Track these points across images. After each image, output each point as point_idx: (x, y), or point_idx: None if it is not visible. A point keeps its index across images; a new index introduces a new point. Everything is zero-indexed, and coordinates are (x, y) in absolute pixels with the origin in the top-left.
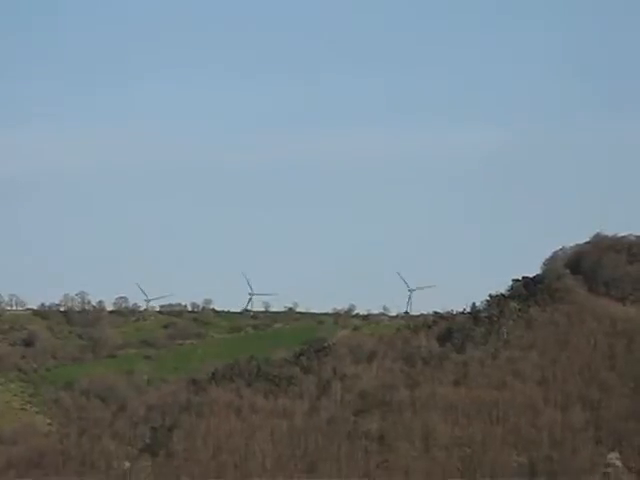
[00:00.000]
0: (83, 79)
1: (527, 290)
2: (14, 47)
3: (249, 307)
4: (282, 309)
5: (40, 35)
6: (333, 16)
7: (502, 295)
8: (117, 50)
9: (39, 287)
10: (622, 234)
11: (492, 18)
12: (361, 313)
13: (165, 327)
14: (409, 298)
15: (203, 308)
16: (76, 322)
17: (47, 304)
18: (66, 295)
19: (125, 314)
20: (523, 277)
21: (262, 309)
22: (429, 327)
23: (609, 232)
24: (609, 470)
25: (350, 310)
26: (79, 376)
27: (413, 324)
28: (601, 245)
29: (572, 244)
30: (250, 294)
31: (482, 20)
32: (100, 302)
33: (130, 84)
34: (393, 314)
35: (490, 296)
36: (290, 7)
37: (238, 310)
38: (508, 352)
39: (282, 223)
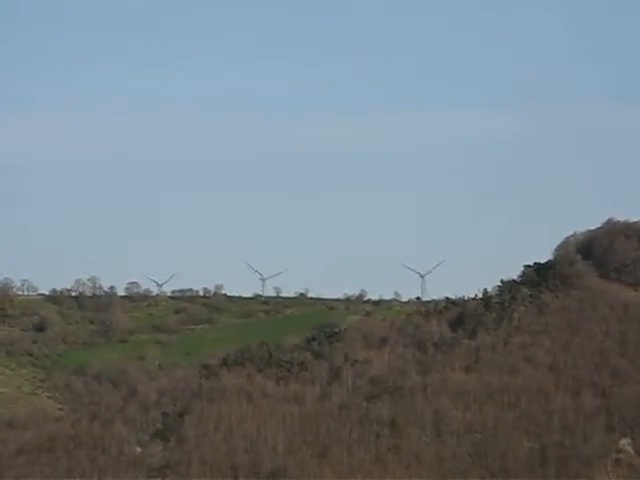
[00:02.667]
0: (84, 68)
1: (539, 276)
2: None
3: (261, 292)
4: (293, 295)
5: (39, 21)
6: (331, 4)
7: (514, 281)
8: (114, 40)
9: (51, 272)
10: (634, 220)
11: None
12: (372, 299)
13: (176, 312)
14: (422, 284)
15: (214, 293)
16: (88, 307)
17: (59, 289)
18: (78, 280)
19: (136, 299)
20: (535, 263)
21: (273, 294)
22: (441, 313)
23: (621, 217)
24: (621, 456)
25: (361, 295)
26: (90, 361)
27: (425, 310)
28: (613, 231)
29: (583, 230)
30: (262, 278)
31: (483, 4)
32: (112, 287)
33: (129, 74)
34: (405, 300)
35: (502, 282)
36: None
37: (249, 295)
38: (519, 338)
39: (293, 209)
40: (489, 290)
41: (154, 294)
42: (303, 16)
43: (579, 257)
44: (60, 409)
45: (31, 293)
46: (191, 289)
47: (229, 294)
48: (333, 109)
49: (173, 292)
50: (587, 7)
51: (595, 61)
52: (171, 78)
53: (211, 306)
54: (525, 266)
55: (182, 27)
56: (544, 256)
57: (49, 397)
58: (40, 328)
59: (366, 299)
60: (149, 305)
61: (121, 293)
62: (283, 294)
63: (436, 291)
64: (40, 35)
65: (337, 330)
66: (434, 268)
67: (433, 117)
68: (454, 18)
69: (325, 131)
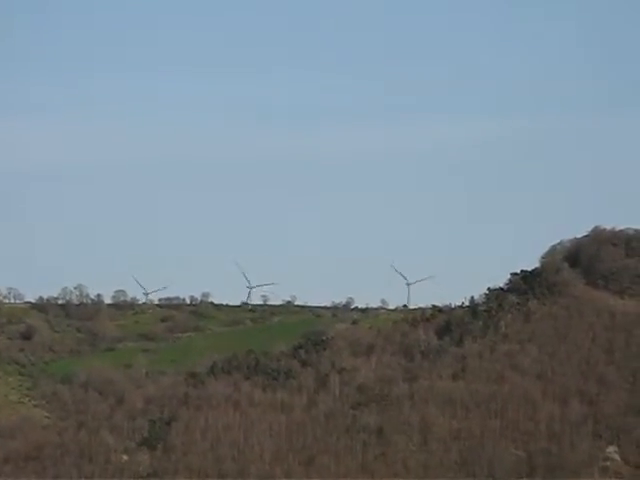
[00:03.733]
0: (83, 72)
1: (525, 284)
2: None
3: (248, 300)
4: (280, 302)
5: (39, 26)
6: (331, 11)
7: (501, 289)
8: (116, 43)
9: (37, 280)
10: (620, 227)
11: (493, 7)
12: (360, 306)
13: (163, 320)
14: (408, 292)
15: (201, 301)
16: (74, 315)
17: (45, 297)
18: (64, 288)
19: (123, 307)
20: (521, 271)
21: (260, 302)
22: (427, 320)
23: (607, 225)
24: (607, 464)
25: (348, 303)
26: (77, 369)
27: (411, 317)
28: (599, 238)
29: (570, 237)
30: (249, 287)
31: (482, 9)
32: (98, 295)
33: (129, 77)
34: (392, 307)
35: (489, 289)
36: (290, 2)
37: (237, 303)
38: (506, 346)
39: (281, 216)
40: (476, 298)
41: (141, 302)
42: (303, 19)
43: (566, 265)
44: (47, 417)
45: (17, 301)
46: (178, 297)
47: (216, 302)
48: (326, 114)
49: (160, 300)
50: (587, 11)
51: (584, 71)
52: (169, 82)
53: (198, 314)
54: (512, 274)
55: (180, 30)
56: (531, 264)
57: (36, 405)
58: (27, 336)
59: (353, 307)
60: (136, 313)
61: (108, 301)
62: (270, 302)
63: (423, 299)
64: (39, 38)
65: (324, 338)
66: (421, 280)
67: (422, 124)
68: (453, 23)
69: (315, 137)
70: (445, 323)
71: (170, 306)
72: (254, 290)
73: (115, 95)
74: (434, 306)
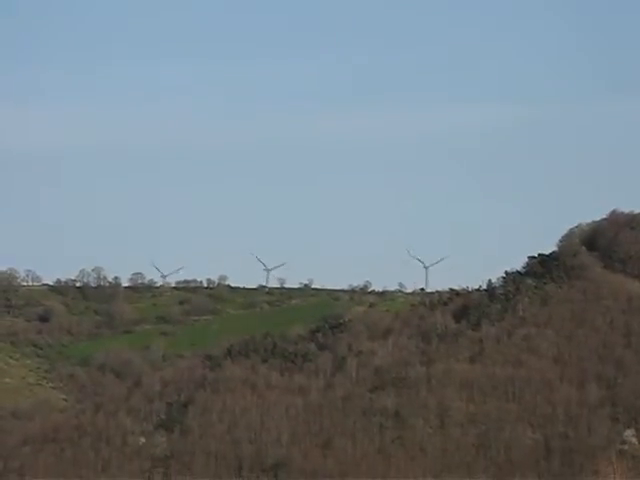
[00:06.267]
0: (84, 61)
1: (543, 267)
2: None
3: (265, 283)
4: (297, 285)
5: (41, 15)
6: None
7: (518, 272)
8: (117, 32)
9: (55, 263)
10: (638, 211)
11: None
12: (377, 290)
13: (181, 303)
14: (426, 275)
15: (218, 284)
16: (92, 298)
17: (63, 280)
18: (82, 271)
19: (141, 290)
20: (539, 254)
21: (277, 285)
22: (445, 304)
23: (625, 209)
24: (625, 447)
25: (366, 287)
26: (95, 352)
27: (429, 301)
28: (617, 222)
29: (588, 221)
30: (265, 269)
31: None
32: (116, 278)
33: (131, 65)
34: (409, 291)
35: (506, 273)
36: None
37: (253, 286)
38: (524, 329)
39: (298, 200)
40: (493, 281)
41: (158, 285)
42: (301, 11)
43: (583, 248)
44: (64, 400)
45: (35, 283)
46: (195, 280)
47: (233, 285)
48: (336, 102)
49: (177, 283)
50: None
51: (600, 52)
52: (173, 72)
53: (215, 297)
54: (529, 257)
55: (183, 22)
56: (548, 247)
57: (53, 388)
58: (44, 319)
59: (370, 290)
60: (153, 296)
61: (125, 284)
62: (287, 285)
63: (440, 282)
64: (41, 27)
65: (341, 321)
66: (438, 262)
67: (436, 109)
68: (453, 12)
69: (327, 123)
70: (462, 306)
71: (187, 289)
72: (270, 272)
73: (118, 82)
74: (451, 289)
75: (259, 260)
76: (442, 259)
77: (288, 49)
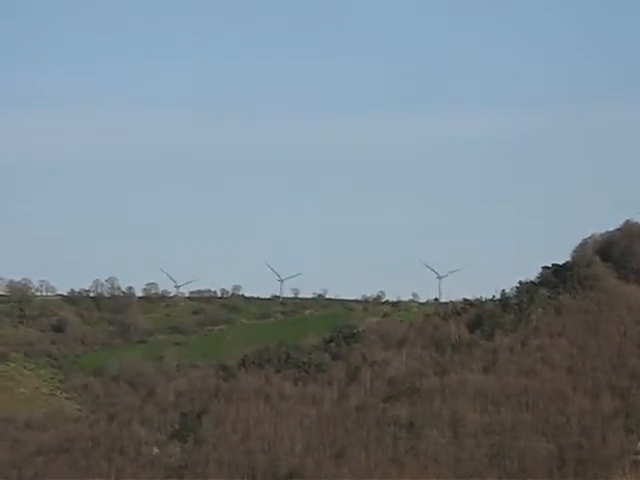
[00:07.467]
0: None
1: (557, 277)
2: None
3: (279, 293)
4: (311, 296)
5: (41, 17)
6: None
7: (532, 282)
8: (118, 34)
9: (69, 273)
10: None
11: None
12: (390, 300)
13: (195, 313)
14: (439, 285)
15: (232, 294)
16: (106, 308)
17: (77, 290)
18: (96, 281)
19: (155, 300)
20: (553, 264)
21: (291, 295)
22: (458, 314)
23: (639, 219)
24: (638, 458)
25: (379, 297)
26: (109, 362)
27: (442, 311)
28: (631, 232)
29: (602, 231)
30: (279, 280)
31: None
32: (130, 288)
33: (130, 68)
34: (423, 301)
35: (520, 283)
36: None
37: (267, 296)
38: (537, 339)
39: (311, 210)
40: (507, 291)
41: (172, 295)
42: (303, 14)
43: (597, 258)
44: (78, 410)
45: (49, 294)
46: (209, 290)
47: (247, 295)
48: (350, 109)
49: (191, 293)
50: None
51: (610, 56)
52: (170, 72)
53: (229, 307)
54: (543, 267)
55: (181, 24)
56: (562, 257)
57: (67, 398)
58: (58, 329)
59: (384, 300)
60: (167, 306)
61: (139, 294)
62: (301, 295)
63: (454, 292)
64: (40, 30)
65: (355, 331)
66: (452, 272)
67: (447, 116)
68: (455, 15)
69: (340, 131)
70: (476, 316)
71: (201, 299)
72: (285, 282)
73: (118, 86)
74: (465, 299)
75: (272, 270)
76: (458, 269)
77: (289, 52)
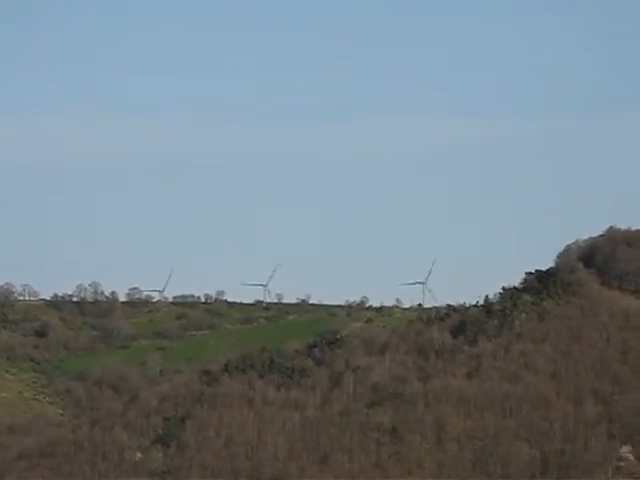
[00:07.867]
0: (85, 71)
1: (540, 283)
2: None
3: (262, 298)
4: (295, 301)
5: (45, 21)
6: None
7: (515, 288)
8: (119, 41)
9: (52, 277)
10: (636, 227)
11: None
12: (374, 305)
13: (178, 318)
14: (424, 290)
15: (216, 299)
16: (89, 313)
17: (60, 294)
18: (79, 286)
19: (138, 305)
20: (536, 270)
21: (275, 300)
22: (442, 320)
23: (623, 225)
24: (621, 464)
25: (363, 302)
26: (92, 367)
27: (426, 316)
28: (614, 238)
29: (585, 237)
30: (263, 285)
31: (484, 6)
32: (113, 293)
33: (131, 76)
34: (406, 306)
35: (503, 289)
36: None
37: (251, 301)
38: (521, 345)
39: (295, 215)
40: (490, 297)
41: (155, 300)
42: (301, 17)
43: (581, 265)
44: (61, 414)
45: (32, 298)
46: (192, 295)
47: (230, 300)
48: (330, 113)
49: (174, 298)
50: (590, 7)
51: (595, 67)
52: (169, 80)
53: (212, 312)
54: (527, 273)
55: (183, 30)
56: (546, 263)
57: (50, 402)
58: (41, 333)
59: (367, 306)
60: (150, 311)
61: (122, 299)
62: (284, 300)
63: (437, 298)
64: (40, 37)
65: (338, 337)
66: (430, 274)
67: (431, 120)
68: (453, 19)
69: (325, 135)
70: (459, 322)
71: (185, 304)
72: (269, 287)
73: (118, 92)
74: (448, 305)
75: (252, 285)
76: (431, 268)
77: (288, 58)
